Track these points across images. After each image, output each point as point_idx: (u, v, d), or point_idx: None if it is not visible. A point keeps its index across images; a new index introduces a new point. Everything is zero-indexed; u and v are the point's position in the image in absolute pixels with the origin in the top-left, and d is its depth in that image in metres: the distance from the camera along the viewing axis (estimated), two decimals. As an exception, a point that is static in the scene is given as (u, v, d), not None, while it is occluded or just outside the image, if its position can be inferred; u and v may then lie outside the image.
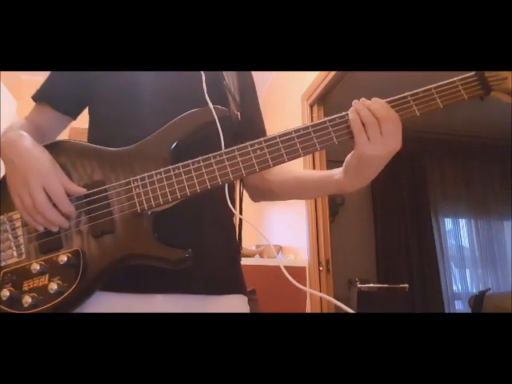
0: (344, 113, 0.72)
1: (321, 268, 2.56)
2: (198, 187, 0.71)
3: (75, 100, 0.91)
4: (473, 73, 0.73)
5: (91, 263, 0.69)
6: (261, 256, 2.78)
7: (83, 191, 0.72)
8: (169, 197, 0.71)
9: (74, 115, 0.93)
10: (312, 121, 0.98)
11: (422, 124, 3.75)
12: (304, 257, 2.69)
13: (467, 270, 4.59)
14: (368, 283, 3.09)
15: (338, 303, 0.69)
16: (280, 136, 0.72)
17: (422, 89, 0.72)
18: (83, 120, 0.93)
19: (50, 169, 0.71)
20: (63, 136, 0.95)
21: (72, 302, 0.69)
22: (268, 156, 0.71)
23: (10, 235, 0.73)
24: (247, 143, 0.72)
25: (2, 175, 0.76)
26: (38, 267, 0.69)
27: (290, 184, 0.88)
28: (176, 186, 0.71)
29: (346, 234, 3.93)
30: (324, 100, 2.76)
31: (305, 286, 0.73)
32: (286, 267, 0.71)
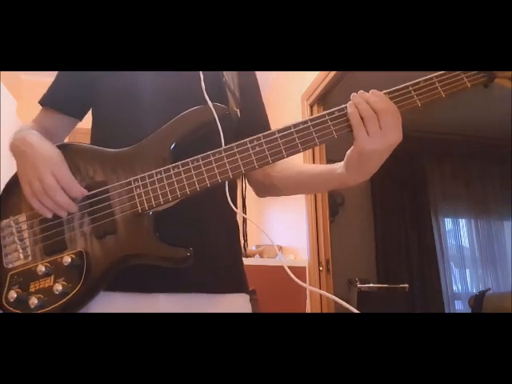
0: (343, 105, 0.71)
1: (321, 268, 2.56)
2: (197, 185, 0.71)
3: (79, 102, 0.93)
4: None
5: (95, 264, 0.70)
6: (261, 256, 2.78)
7: (85, 192, 0.73)
8: (169, 196, 0.71)
9: (79, 116, 0.95)
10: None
11: (421, 124, 3.75)
12: (304, 257, 2.69)
13: (467, 270, 4.59)
14: (368, 283, 3.09)
15: (339, 300, 0.69)
16: (279, 131, 0.72)
17: (423, 78, 0.70)
18: (86, 121, 0.96)
19: (58, 157, 0.75)
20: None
21: (77, 303, 0.70)
22: (267, 152, 0.71)
23: (16, 238, 0.74)
24: (246, 139, 0.72)
25: (4, 181, 0.77)
26: (44, 269, 0.71)
27: (293, 179, 0.88)
28: (176, 185, 0.71)
29: (346, 233, 3.93)
30: (324, 100, 2.76)
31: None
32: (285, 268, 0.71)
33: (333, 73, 2.51)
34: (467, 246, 4.69)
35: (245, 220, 0.90)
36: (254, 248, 2.84)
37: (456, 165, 4.68)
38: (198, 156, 0.72)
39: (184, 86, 0.84)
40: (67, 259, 0.70)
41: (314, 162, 2.64)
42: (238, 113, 0.89)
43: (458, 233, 4.70)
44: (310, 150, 2.66)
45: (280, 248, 2.95)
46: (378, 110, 0.68)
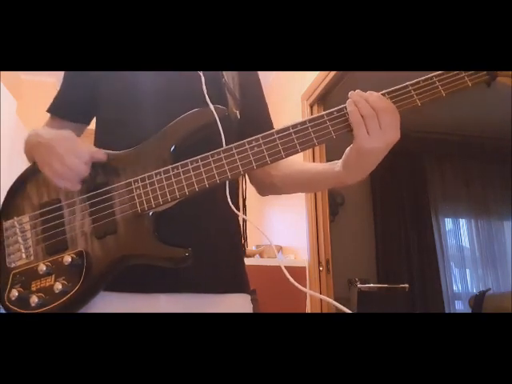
0: (342, 106, 0.71)
1: (321, 268, 2.56)
2: (196, 186, 0.71)
3: (84, 108, 0.94)
4: None
5: (95, 263, 0.71)
6: (261, 256, 2.78)
7: (105, 156, 0.75)
8: (168, 196, 0.71)
9: (85, 122, 0.97)
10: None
11: (421, 124, 3.75)
12: (304, 257, 2.69)
13: (467, 270, 4.59)
14: (368, 283, 3.09)
15: (337, 304, 0.69)
16: (277, 132, 0.72)
17: (423, 77, 0.70)
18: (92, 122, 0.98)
19: (72, 136, 0.76)
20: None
21: (77, 301, 0.71)
22: (265, 153, 0.71)
23: (19, 238, 0.75)
24: (245, 141, 0.72)
25: (4, 180, 0.78)
26: (45, 268, 0.72)
27: (292, 178, 0.88)
28: (175, 186, 0.72)
29: (346, 233, 3.93)
30: (324, 100, 2.76)
31: (305, 286, 0.73)
32: (286, 267, 0.71)
33: (333, 73, 2.51)
34: (467, 245, 4.69)
35: (244, 220, 0.90)
36: (254, 248, 2.84)
37: (456, 165, 4.68)
38: (197, 157, 0.72)
39: (184, 86, 0.84)
40: (67, 259, 0.71)
41: (313, 162, 2.64)
42: (238, 114, 0.89)
43: (458, 233, 4.70)
44: (310, 151, 2.67)
45: (280, 248, 2.95)
46: (377, 109, 0.68)
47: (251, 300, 0.86)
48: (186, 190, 0.71)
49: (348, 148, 0.73)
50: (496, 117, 3.79)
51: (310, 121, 0.72)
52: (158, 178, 0.72)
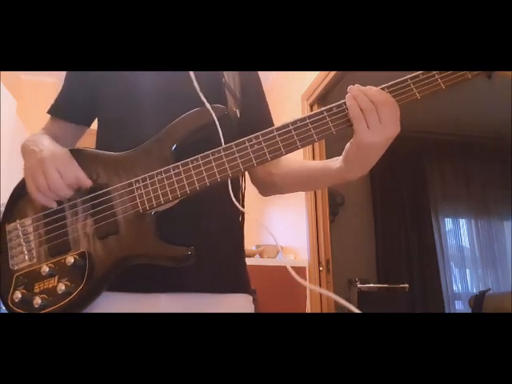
0: (341, 101, 0.71)
1: (321, 268, 2.56)
2: (197, 185, 0.71)
3: (85, 109, 0.94)
4: None
5: (97, 264, 0.71)
6: (261, 256, 2.78)
7: (90, 183, 0.75)
8: (169, 196, 0.72)
9: (86, 123, 0.98)
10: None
11: (421, 124, 3.75)
12: (304, 257, 2.69)
13: (467, 270, 4.59)
14: (368, 283, 3.09)
15: (339, 298, 0.68)
16: (277, 129, 0.72)
17: (423, 71, 0.70)
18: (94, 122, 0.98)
19: (65, 154, 0.77)
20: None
21: (79, 302, 0.71)
22: (265, 150, 0.71)
23: (22, 240, 0.76)
24: (245, 138, 0.72)
25: (4, 179, 0.78)
26: (48, 269, 0.72)
27: (292, 176, 0.88)
28: (176, 185, 0.72)
29: (346, 233, 3.93)
30: (324, 100, 2.76)
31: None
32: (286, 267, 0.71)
33: (333, 73, 2.51)
34: (467, 245, 4.69)
35: (243, 219, 0.90)
36: (254, 248, 2.84)
37: (456, 165, 4.68)
38: (198, 156, 0.72)
39: (185, 87, 0.84)
40: (70, 260, 0.72)
41: (313, 160, 2.64)
42: (238, 113, 0.89)
43: (458, 233, 4.70)
44: (310, 149, 2.67)
45: (280, 248, 2.95)
46: (376, 103, 0.68)
47: (253, 300, 0.86)
48: (188, 189, 0.71)
49: (348, 143, 0.73)
50: (496, 117, 3.79)
51: (310, 117, 0.72)
52: (159, 177, 0.72)
